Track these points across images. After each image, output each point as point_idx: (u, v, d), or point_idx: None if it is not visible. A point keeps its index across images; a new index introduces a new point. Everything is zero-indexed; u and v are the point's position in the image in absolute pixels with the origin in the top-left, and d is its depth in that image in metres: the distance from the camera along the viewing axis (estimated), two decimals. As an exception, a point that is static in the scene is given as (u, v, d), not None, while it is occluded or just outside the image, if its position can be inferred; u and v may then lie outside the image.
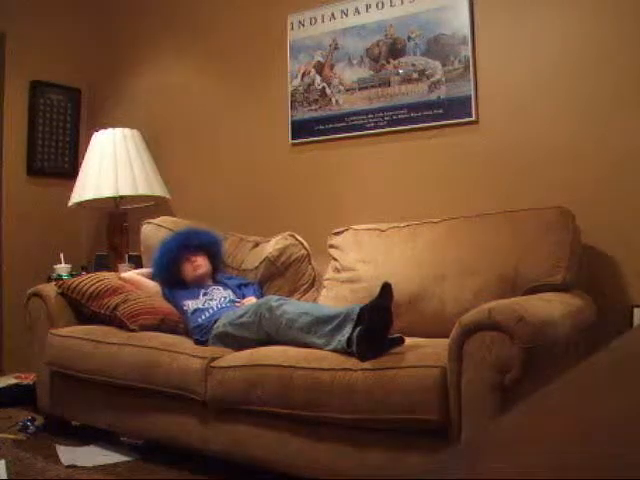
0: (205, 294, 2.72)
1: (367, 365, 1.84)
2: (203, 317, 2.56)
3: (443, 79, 2.76)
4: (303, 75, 3.16)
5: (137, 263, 3.29)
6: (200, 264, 2.81)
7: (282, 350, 2.09)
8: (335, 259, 2.69)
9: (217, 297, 2.69)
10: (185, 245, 2.84)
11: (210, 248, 2.89)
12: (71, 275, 3.33)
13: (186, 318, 2.64)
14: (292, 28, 3.19)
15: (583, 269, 2.24)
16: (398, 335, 1.94)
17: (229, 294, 2.73)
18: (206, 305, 2.63)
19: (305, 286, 2.81)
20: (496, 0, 2.67)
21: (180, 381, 2.20)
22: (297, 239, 2.88)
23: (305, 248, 2.86)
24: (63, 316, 2.73)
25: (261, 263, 2.86)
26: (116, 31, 4.00)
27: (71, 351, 2.56)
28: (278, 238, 2.89)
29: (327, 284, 2.66)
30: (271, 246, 2.87)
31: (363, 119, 2.97)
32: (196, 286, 2.77)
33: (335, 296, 2.56)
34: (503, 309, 1.64)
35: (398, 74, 2.88)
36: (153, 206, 3.50)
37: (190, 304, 2.68)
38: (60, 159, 3.91)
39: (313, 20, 3.13)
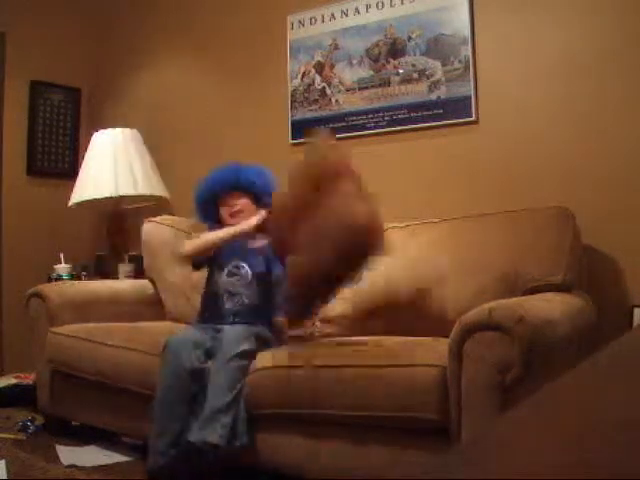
0: (231, 274, 2.43)
1: (367, 362, 1.84)
2: (208, 313, 2.44)
3: (443, 79, 2.76)
4: (303, 75, 3.16)
5: (137, 263, 3.29)
6: (239, 210, 2.46)
7: (277, 351, 2.11)
8: (335, 259, 2.69)
9: (239, 290, 2.40)
10: (226, 182, 2.48)
11: (259, 191, 2.46)
12: (71, 275, 3.33)
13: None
14: (292, 28, 3.19)
15: (583, 269, 2.24)
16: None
17: (249, 289, 2.40)
18: (223, 295, 2.40)
19: None
20: (496, 0, 2.67)
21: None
22: None
23: None
24: (63, 316, 2.73)
25: None
26: (116, 31, 4.00)
27: (71, 351, 2.56)
28: None
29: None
30: None
31: (363, 119, 2.97)
32: (232, 246, 2.43)
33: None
34: (503, 309, 1.64)
35: (398, 74, 2.88)
36: (153, 206, 3.50)
37: (213, 278, 2.46)
38: (60, 159, 3.91)
39: (313, 20, 3.13)
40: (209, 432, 1.92)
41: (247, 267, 2.44)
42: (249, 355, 2.08)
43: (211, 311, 2.44)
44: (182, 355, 2.09)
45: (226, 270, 2.46)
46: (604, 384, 0.55)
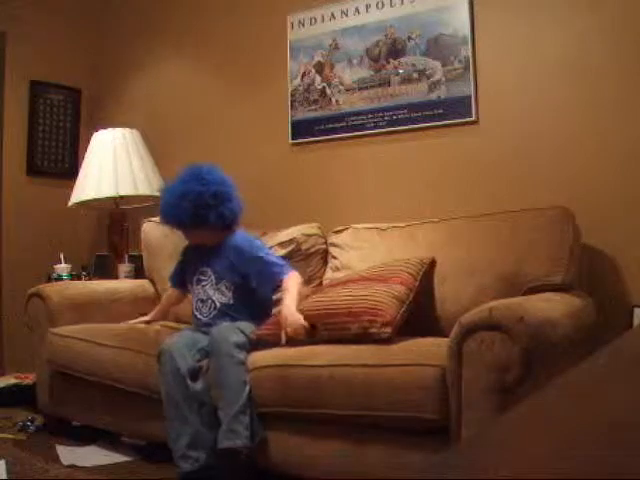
0: (199, 281, 2.41)
1: (367, 361, 1.85)
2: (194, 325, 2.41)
3: (443, 79, 2.76)
4: (303, 75, 3.16)
5: (137, 263, 3.29)
6: (191, 239, 2.46)
7: (276, 351, 2.11)
8: (335, 257, 2.69)
9: (208, 295, 2.37)
10: (174, 223, 2.42)
11: (202, 221, 2.31)
12: (71, 275, 3.33)
13: None
14: (292, 28, 3.19)
15: (583, 269, 2.24)
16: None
17: (218, 291, 2.36)
18: (198, 303, 2.40)
19: (313, 285, 2.69)
20: (496, 0, 2.67)
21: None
22: (322, 232, 2.83)
23: (326, 244, 2.79)
24: (63, 316, 2.73)
25: (283, 243, 2.73)
26: (116, 31, 4.00)
27: (70, 351, 2.56)
28: (304, 225, 2.83)
29: (330, 284, 2.64)
30: (298, 230, 2.79)
31: (363, 119, 2.97)
32: (198, 254, 2.45)
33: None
34: (503, 309, 1.64)
35: (398, 74, 2.88)
36: (153, 206, 3.50)
37: (191, 288, 2.47)
38: (60, 159, 3.91)
39: (313, 20, 3.13)
40: (237, 436, 1.95)
41: (210, 270, 2.38)
42: (242, 347, 2.08)
43: (196, 323, 2.40)
44: (177, 358, 2.10)
45: (195, 279, 2.43)
46: (604, 384, 0.55)
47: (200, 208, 2.29)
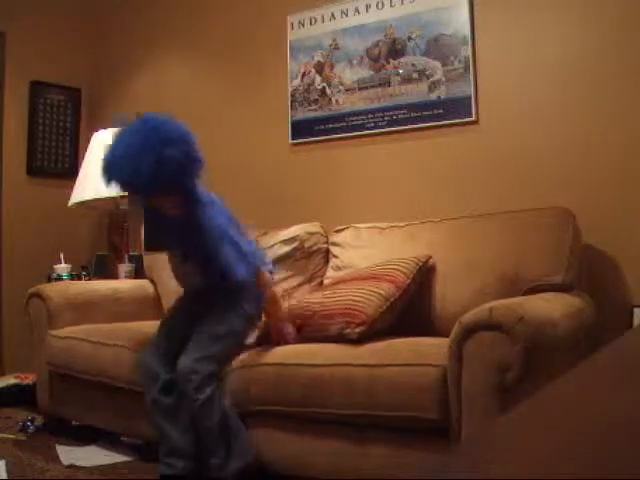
0: (181, 259, 2.19)
1: (367, 361, 1.85)
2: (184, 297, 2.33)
3: (443, 79, 2.76)
4: (303, 75, 3.16)
5: (137, 263, 3.29)
6: (162, 206, 2.03)
7: (276, 349, 2.12)
8: (335, 256, 2.69)
9: (183, 272, 2.23)
10: (127, 187, 1.98)
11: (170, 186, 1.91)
12: (71, 275, 3.33)
13: None
14: (292, 28, 3.19)
15: (583, 269, 2.24)
16: None
17: (187, 273, 2.19)
18: (182, 279, 2.30)
19: (314, 283, 2.69)
20: (496, 0, 2.67)
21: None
22: (324, 231, 2.82)
23: (327, 243, 2.79)
24: (63, 316, 2.73)
25: (284, 241, 2.72)
26: (116, 31, 4.00)
27: (70, 352, 2.56)
28: (307, 224, 2.82)
29: (327, 283, 2.65)
30: (301, 228, 2.78)
31: (363, 119, 2.97)
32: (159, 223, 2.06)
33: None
34: (503, 309, 1.64)
35: (398, 74, 2.88)
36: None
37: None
38: (60, 159, 3.91)
39: (313, 20, 3.13)
40: (210, 470, 1.97)
41: (177, 246, 2.14)
42: (210, 377, 2.00)
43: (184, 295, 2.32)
44: (149, 374, 2.12)
45: (177, 258, 2.24)
46: (604, 384, 0.55)
47: (173, 173, 1.91)
